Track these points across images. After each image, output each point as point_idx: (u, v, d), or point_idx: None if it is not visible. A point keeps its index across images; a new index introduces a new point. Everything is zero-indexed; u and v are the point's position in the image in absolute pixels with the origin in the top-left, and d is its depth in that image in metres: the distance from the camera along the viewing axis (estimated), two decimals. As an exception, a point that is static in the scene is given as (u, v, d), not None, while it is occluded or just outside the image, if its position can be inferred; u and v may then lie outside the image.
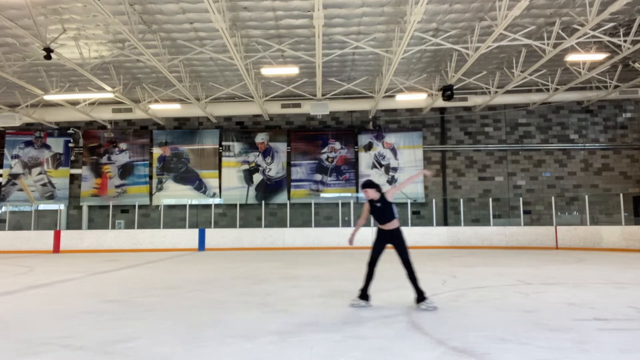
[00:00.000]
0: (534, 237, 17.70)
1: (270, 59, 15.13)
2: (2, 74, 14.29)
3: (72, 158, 21.33)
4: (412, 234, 17.18)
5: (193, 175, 20.96)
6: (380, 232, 5.92)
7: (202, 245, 18.66)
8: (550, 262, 11.98)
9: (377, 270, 5.88)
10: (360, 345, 4.04)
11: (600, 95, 18.54)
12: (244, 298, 6.63)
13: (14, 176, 21.02)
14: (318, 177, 20.68)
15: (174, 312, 5.66)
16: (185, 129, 21.31)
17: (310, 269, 10.74)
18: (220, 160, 20.98)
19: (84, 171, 21.05)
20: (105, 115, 19.30)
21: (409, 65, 16.56)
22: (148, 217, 20.78)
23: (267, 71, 15.13)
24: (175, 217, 20.71)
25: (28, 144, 21.26)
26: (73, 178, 21.20)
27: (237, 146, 21.02)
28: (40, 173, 21.11)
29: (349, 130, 21.02)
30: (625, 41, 13.22)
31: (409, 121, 20.99)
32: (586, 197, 17.45)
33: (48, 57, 12.11)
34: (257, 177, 20.78)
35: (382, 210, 5.82)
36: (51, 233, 18.75)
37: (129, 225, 20.39)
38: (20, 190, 20.94)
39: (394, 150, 20.73)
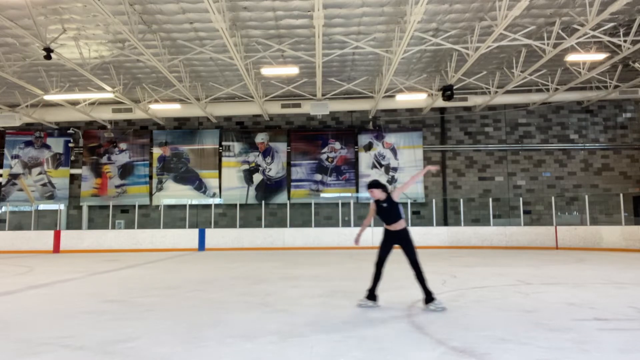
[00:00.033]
0: (534, 237, 17.70)
1: (270, 59, 15.13)
2: (2, 74, 14.29)
3: (72, 158, 21.33)
4: (412, 234, 17.16)
5: (193, 175, 20.96)
6: (387, 233, 5.87)
7: (202, 245, 18.66)
8: (550, 262, 11.98)
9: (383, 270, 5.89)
10: (360, 345, 4.04)
11: (600, 95, 18.54)
12: (244, 298, 6.63)
13: (14, 176, 21.02)
14: (318, 177, 20.68)
15: (174, 312, 5.66)
16: (185, 129, 21.31)
17: (310, 269, 10.74)
18: (220, 160, 20.98)
19: (84, 171, 21.05)
20: (105, 115, 19.30)
21: (409, 65, 16.57)
22: (148, 217, 20.78)
23: (267, 71, 15.14)
24: (175, 217, 20.71)
25: (28, 144, 21.26)
26: (73, 178, 21.21)
27: (237, 146, 21.02)
28: (40, 173, 21.11)
29: (349, 130, 21.02)
30: (625, 41, 13.22)
31: (409, 121, 20.99)
32: (586, 197, 17.45)
33: (48, 57, 12.11)
34: (257, 177, 20.78)
35: (388, 211, 5.78)
36: (51, 233, 18.75)
37: (129, 225, 20.39)
38: (20, 190, 20.94)
39: (394, 150, 20.73)
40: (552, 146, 20.76)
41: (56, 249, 18.46)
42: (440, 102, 18.02)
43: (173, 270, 10.92)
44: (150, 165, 21.05)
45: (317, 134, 20.96)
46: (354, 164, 20.76)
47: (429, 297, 5.50)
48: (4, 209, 20.82)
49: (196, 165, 20.98)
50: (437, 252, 16.28)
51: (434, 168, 6.33)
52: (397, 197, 5.81)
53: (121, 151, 21.09)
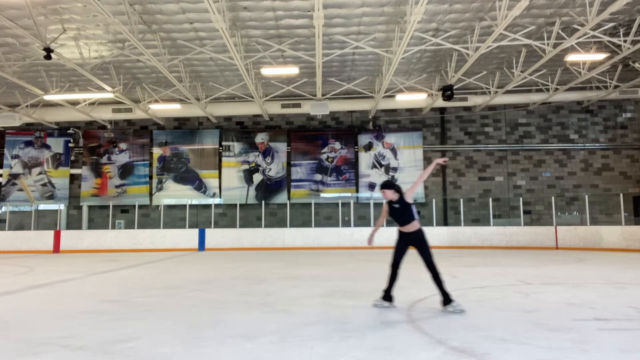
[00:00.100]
0: (534, 237, 17.70)
1: (270, 59, 15.13)
2: (2, 74, 14.29)
3: (72, 158, 21.33)
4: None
5: (193, 175, 20.96)
6: (401, 235, 5.77)
7: (202, 245, 18.66)
8: (550, 262, 11.98)
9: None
10: (360, 345, 4.04)
11: (600, 95, 18.54)
12: (244, 298, 6.63)
13: (14, 176, 21.03)
14: (318, 177, 20.68)
15: (174, 312, 5.66)
16: (185, 129, 21.31)
17: (310, 269, 10.74)
18: (220, 160, 20.98)
19: (84, 171, 21.05)
20: (105, 115, 19.30)
21: (409, 65, 16.57)
22: (148, 217, 20.78)
23: (267, 71, 15.14)
24: (175, 217, 20.71)
25: (28, 144, 21.27)
26: (73, 178, 21.21)
27: (237, 146, 21.02)
28: (40, 173, 21.11)
29: (349, 130, 21.02)
30: (625, 41, 13.22)
31: (409, 121, 20.99)
32: (586, 197, 17.45)
33: (48, 57, 12.11)
34: (257, 177, 20.79)
35: (400, 212, 5.67)
36: (51, 233, 18.75)
37: (129, 225, 20.39)
38: (20, 190, 20.94)
39: (394, 150, 20.73)
40: (552, 146, 20.76)
41: (56, 249, 18.46)
42: (440, 102, 18.03)
43: (173, 270, 10.92)
44: (150, 165, 21.05)
45: (317, 134, 20.97)
46: (354, 164, 20.77)
47: (446, 299, 5.38)
48: (4, 209, 20.82)
49: (196, 165, 20.98)
50: (437, 252, 16.15)
51: (442, 160, 6.13)
52: (409, 197, 5.68)
53: (121, 151, 21.09)
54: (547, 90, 18.19)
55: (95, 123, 20.86)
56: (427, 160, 20.76)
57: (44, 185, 21.04)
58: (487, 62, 16.19)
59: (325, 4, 11.16)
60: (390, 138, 20.80)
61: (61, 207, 20.65)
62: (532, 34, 13.40)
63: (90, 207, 20.94)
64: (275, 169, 20.80)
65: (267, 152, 20.89)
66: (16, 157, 21.13)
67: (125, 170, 21.00)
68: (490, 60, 16.08)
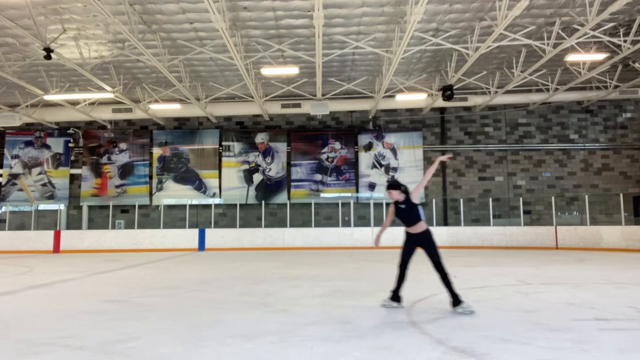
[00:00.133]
0: (534, 237, 17.70)
1: (270, 59, 15.13)
2: (2, 74, 14.29)
3: (72, 158, 21.33)
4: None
5: (193, 175, 20.96)
6: (408, 235, 5.73)
7: (202, 245, 18.66)
8: (550, 262, 11.98)
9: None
10: (360, 345, 4.04)
11: (600, 95, 18.54)
12: (244, 298, 6.63)
13: (14, 176, 21.02)
14: (318, 177, 20.68)
15: (174, 312, 5.66)
16: (185, 129, 21.31)
17: (310, 269, 10.75)
18: (220, 160, 20.98)
19: (84, 171, 21.05)
20: (105, 115, 19.30)
21: (409, 65, 16.57)
22: (148, 217, 20.78)
23: (267, 71, 15.14)
24: (175, 217, 20.71)
25: (28, 144, 21.27)
26: (73, 178, 21.21)
27: (237, 146, 21.02)
28: (40, 173, 21.11)
29: (349, 130, 21.02)
30: (625, 41, 13.22)
31: (409, 121, 20.99)
32: (586, 197, 17.45)
33: (48, 57, 12.11)
34: (257, 177, 20.79)
35: (407, 212, 5.61)
36: (51, 233, 18.75)
37: (129, 225, 20.39)
38: (20, 190, 20.94)
39: (394, 150, 20.73)
40: (552, 146, 20.76)
41: (56, 249, 18.47)
42: (440, 102, 18.03)
43: (173, 270, 10.92)
44: (150, 165, 21.05)
45: (317, 134, 20.97)
46: (354, 164, 20.77)
47: (456, 300, 5.34)
48: (4, 209, 20.82)
49: (196, 165, 20.98)
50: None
51: (445, 158, 6.05)
52: (415, 198, 5.62)
53: (121, 151, 21.09)
54: (547, 90, 18.19)
55: (95, 123, 20.86)
56: (427, 160, 20.77)
57: (44, 185, 21.04)
58: (487, 62, 16.19)
59: (325, 4, 11.16)
60: (390, 138, 20.81)
61: (61, 207, 20.65)
62: (532, 34, 13.40)
63: (90, 207, 20.94)
64: (275, 169, 20.80)
65: (267, 152, 20.89)
66: (16, 157, 21.13)
67: (125, 170, 21.00)
68: (490, 60, 16.08)
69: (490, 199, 19.81)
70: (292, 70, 15.10)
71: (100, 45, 13.88)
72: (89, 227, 20.63)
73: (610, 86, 17.66)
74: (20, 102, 18.37)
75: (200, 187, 20.86)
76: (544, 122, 20.88)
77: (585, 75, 15.90)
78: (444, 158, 5.97)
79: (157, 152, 21.09)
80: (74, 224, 20.93)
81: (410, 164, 20.55)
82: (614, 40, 13.18)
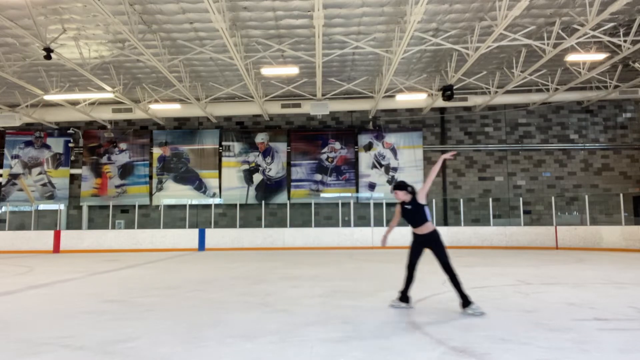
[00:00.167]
0: (534, 237, 17.70)
1: (270, 59, 15.13)
2: (2, 74, 14.29)
3: (72, 158, 21.33)
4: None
5: (193, 175, 20.96)
6: (415, 236, 5.67)
7: (202, 245, 18.66)
8: (550, 262, 11.98)
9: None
10: (360, 345, 4.04)
11: (600, 95, 18.54)
12: (244, 298, 6.63)
13: (14, 176, 21.03)
14: (318, 177, 20.68)
15: (174, 312, 5.66)
16: (185, 129, 21.31)
17: (310, 269, 10.75)
18: (220, 160, 20.99)
19: (84, 171, 21.05)
20: (105, 115, 19.30)
21: (409, 65, 16.57)
22: (148, 217, 20.78)
23: (267, 71, 15.14)
24: (175, 217, 20.71)
25: (28, 144, 21.27)
26: (73, 178, 21.21)
27: (237, 146, 21.02)
28: (40, 173, 21.11)
29: (349, 130, 21.02)
30: (625, 41, 13.22)
31: (409, 121, 20.99)
32: (586, 197, 17.45)
33: (48, 57, 12.11)
34: (257, 177, 20.79)
35: (413, 213, 5.55)
36: (51, 233, 18.75)
37: (129, 225, 20.39)
38: (20, 190, 20.95)
39: (394, 150, 20.73)
40: (552, 146, 20.76)
41: (56, 249, 18.47)
42: (440, 102, 18.03)
43: (173, 270, 10.92)
44: (150, 165, 21.06)
45: (317, 134, 20.97)
46: (354, 164, 20.77)
47: (465, 301, 5.26)
48: (4, 209, 20.82)
49: (196, 165, 20.98)
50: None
51: (449, 155, 5.91)
52: (422, 198, 5.54)
53: (121, 151, 21.10)
54: (547, 90, 18.19)
55: (95, 123, 20.86)
56: (427, 160, 20.78)
57: (44, 185, 21.04)
58: (487, 62, 16.19)
59: (325, 4, 11.16)
60: (390, 138, 20.81)
61: (61, 207, 20.65)
62: (532, 34, 13.40)
63: (90, 207, 20.95)
64: (275, 169, 20.80)
65: (267, 152, 20.90)
66: (16, 157, 21.13)
67: (125, 170, 21.00)
68: (490, 60, 16.08)
69: (490, 199, 19.82)
70: (292, 70, 15.10)
71: (100, 45, 13.89)
72: (89, 227, 20.63)
73: (610, 86, 17.66)
74: (20, 102, 18.37)
75: (200, 187, 20.86)
76: (544, 122, 20.89)
77: (585, 75, 15.90)
78: (447, 155, 5.87)
79: (157, 152, 21.09)
80: (74, 224, 20.93)
81: (410, 164, 20.55)
82: (614, 40, 13.18)
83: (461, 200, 19.66)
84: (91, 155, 21.11)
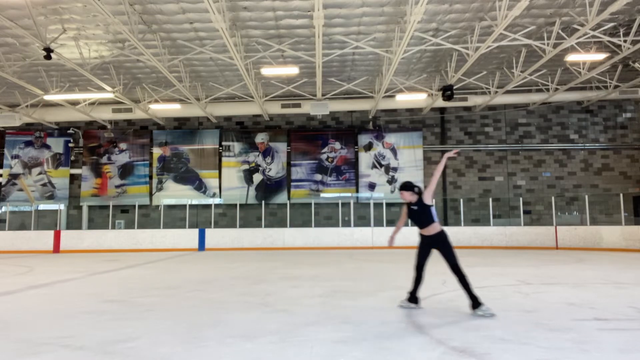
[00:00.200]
0: (534, 237, 17.70)
1: (270, 59, 15.13)
2: (2, 74, 14.29)
3: (72, 158, 21.33)
4: (412, 234, 17.18)
5: (193, 175, 20.96)
6: (422, 238, 5.62)
7: (202, 245, 18.66)
8: (550, 262, 11.98)
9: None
10: (360, 345, 4.04)
11: (600, 95, 18.54)
12: (244, 298, 6.63)
13: (14, 176, 21.03)
14: (318, 177, 20.68)
15: (174, 312, 5.66)
16: (185, 129, 21.31)
17: (310, 269, 10.75)
18: (220, 160, 20.99)
19: (84, 171, 21.05)
20: (105, 115, 19.30)
21: (409, 65, 16.57)
22: (148, 217, 20.78)
23: (267, 71, 15.14)
24: (175, 217, 20.71)
25: (28, 144, 21.27)
26: (73, 178, 21.21)
27: (237, 146, 21.02)
28: (40, 173, 21.11)
29: (349, 130, 21.02)
30: (625, 41, 13.22)
31: (409, 121, 20.99)
32: (586, 197, 17.45)
33: (48, 57, 12.11)
34: (257, 177, 20.79)
35: (419, 214, 5.50)
36: (51, 233, 18.75)
37: (129, 225, 20.39)
38: (20, 190, 20.95)
39: (394, 150, 20.73)
40: (552, 146, 20.76)
41: (56, 249, 18.46)
42: (440, 102, 18.03)
43: (173, 270, 10.92)
44: (150, 165, 21.06)
45: (317, 134, 20.97)
46: (354, 164, 20.77)
47: (475, 303, 5.17)
48: (4, 209, 20.82)
49: (196, 165, 20.99)
50: (437, 252, 16.24)
51: (452, 153, 5.85)
52: (428, 199, 5.46)
53: (121, 151, 21.10)
54: (547, 90, 18.19)
55: (95, 123, 20.87)
56: (427, 160, 20.78)
57: (44, 185, 21.04)
58: (487, 62, 16.19)
59: (325, 4, 11.16)
60: (390, 138, 20.81)
61: (61, 207, 20.65)
62: (532, 34, 13.40)
63: (90, 207, 20.95)
64: (275, 169, 20.80)
65: (267, 152, 20.90)
66: (16, 157, 21.13)
67: (125, 170, 21.00)
68: (490, 60, 16.08)
69: (490, 199, 19.82)
70: (292, 70, 15.10)
71: (100, 45, 13.89)
72: (89, 227, 20.64)
73: (610, 86, 17.66)
74: (20, 102, 18.37)
75: (200, 187, 20.86)
76: (544, 122, 20.89)
77: (585, 75, 15.90)
78: (450, 154, 5.81)
79: (157, 152, 21.09)
80: (74, 224, 20.93)
81: (410, 164, 20.55)
82: (614, 40, 13.18)
83: (461, 200, 19.66)
84: (91, 155, 21.11)
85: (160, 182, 20.94)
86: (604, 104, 20.70)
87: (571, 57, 14.03)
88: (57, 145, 21.25)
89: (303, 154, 20.82)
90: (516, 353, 3.75)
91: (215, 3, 9.97)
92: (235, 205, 20.45)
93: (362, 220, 20.27)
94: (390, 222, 19.87)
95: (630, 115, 20.85)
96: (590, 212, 18.25)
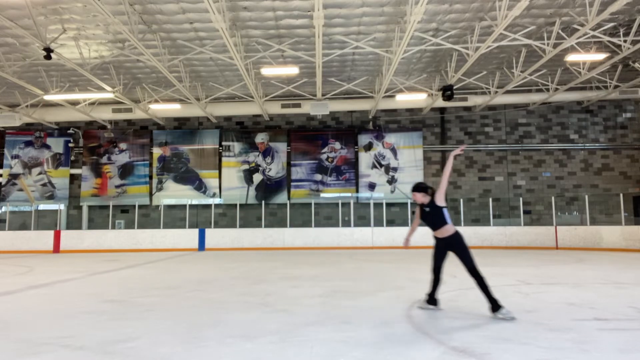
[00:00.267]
0: (534, 237, 17.70)
1: (270, 59, 15.13)
2: (2, 74, 14.29)
3: (72, 158, 21.33)
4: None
5: (193, 175, 20.96)
6: (436, 240, 5.50)
7: (202, 245, 18.66)
8: (550, 262, 11.98)
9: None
10: (360, 345, 4.04)
11: (600, 95, 18.54)
12: (244, 298, 6.63)
13: (14, 176, 21.02)
14: (318, 177, 20.68)
15: (174, 312, 5.66)
16: (185, 129, 21.31)
17: (310, 269, 10.75)
18: (220, 160, 20.99)
19: (84, 171, 21.05)
20: (105, 115, 19.30)
21: (409, 65, 16.57)
22: (148, 217, 20.78)
23: (267, 71, 15.14)
24: (175, 217, 20.71)
25: (28, 144, 21.27)
26: (73, 178, 21.21)
27: (237, 146, 21.02)
28: (40, 173, 21.11)
29: (349, 130, 21.02)
30: (625, 41, 13.22)
31: (409, 121, 20.99)
32: (586, 197, 17.45)
33: (48, 57, 12.11)
34: (257, 177, 20.79)
35: (431, 216, 5.37)
36: (51, 233, 18.75)
37: (129, 225, 20.39)
38: (20, 190, 20.94)
39: (394, 150, 20.73)
40: (552, 146, 20.76)
41: (56, 249, 18.47)
42: (440, 102, 18.03)
43: (173, 270, 10.92)
44: (150, 165, 21.06)
45: (317, 134, 20.97)
46: (354, 164, 20.77)
47: (495, 305, 5.01)
48: (4, 209, 20.82)
49: (196, 165, 20.98)
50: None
51: (459, 150, 5.70)
52: (440, 199, 5.31)
53: (121, 151, 21.10)
54: (547, 90, 18.19)
55: (95, 123, 20.86)
56: (427, 160, 20.79)
57: (44, 185, 21.04)
58: (487, 62, 16.19)
59: (325, 4, 11.16)
60: (390, 138, 20.80)
61: (61, 207, 20.65)
62: (532, 34, 13.40)
63: (90, 207, 20.95)
64: (275, 169, 20.80)
65: (267, 152, 20.90)
66: (16, 157, 21.13)
67: (125, 170, 21.00)
68: (490, 60, 16.08)
69: (490, 199, 19.82)
70: (292, 70, 15.10)
71: (100, 45, 13.88)
72: (89, 227, 20.64)
73: (610, 86, 17.66)
74: (20, 102, 18.37)
75: (200, 187, 20.86)
76: (544, 122, 20.89)
77: (585, 75, 15.90)
78: (457, 151, 5.67)
79: (157, 152, 21.09)
80: (74, 224, 20.93)
81: (410, 164, 20.55)
82: (614, 40, 13.18)
83: (461, 200, 19.66)
84: (91, 155, 21.11)
85: (160, 182, 20.94)
86: (604, 104, 20.70)
87: (571, 57, 14.03)
88: (57, 145, 21.26)
89: (303, 154, 20.82)
90: (516, 353, 3.75)
91: (215, 3, 9.97)
92: (235, 205, 20.45)
93: (362, 220, 20.27)
94: (390, 222, 19.88)
95: (630, 115, 20.85)
96: (590, 212, 18.25)
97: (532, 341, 4.09)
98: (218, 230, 19.27)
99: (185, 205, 20.57)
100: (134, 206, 20.35)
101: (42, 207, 21.11)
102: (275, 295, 6.81)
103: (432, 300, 5.61)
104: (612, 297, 6.38)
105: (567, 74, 17.10)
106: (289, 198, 20.41)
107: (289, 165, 20.83)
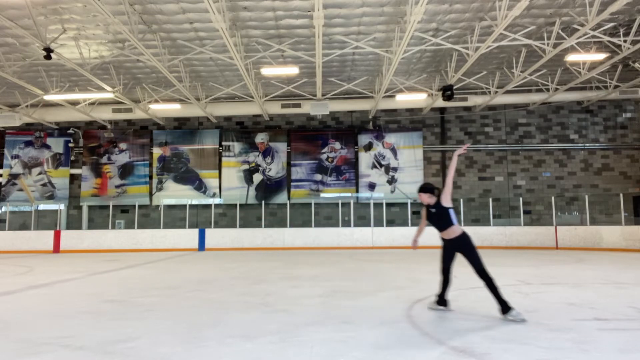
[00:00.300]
0: (534, 237, 17.70)
1: (270, 59, 15.13)
2: (2, 74, 14.29)
3: (72, 158, 21.33)
4: (412, 234, 17.19)
5: (193, 175, 20.96)
6: (443, 242, 5.46)
7: (202, 245, 18.66)
8: (550, 262, 11.98)
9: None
10: (360, 345, 4.04)
11: (600, 95, 18.54)
12: (244, 298, 6.63)
13: (14, 176, 21.02)
14: (318, 177, 20.68)
15: (174, 312, 5.66)
16: (185, 129, 21.31)
17: (310, 269, 10.75)
18: (220, 160, 20.99)
19: (84, 171, 21.05)
20: (105, 115, 19.30)
21: (409, 65, 16.57)
22: (148, 217, 20.78)
23: (267, 71, 15.13)
24: (175, 217, 20.71)
25: (28, 144, 21.27)
26: (73, 178, 21.21)
27: (237, 146, 21.02)
28: (40, 173, 21.11)
29: (349, 130, 21.02)
30: (625, 41, 13.22)
31: (409, 121, 20.99)
32: (586, 197, 17.45)
33: (48, 57, 12.11)
34: (257, 177, 20.79)
35: (437, 217, 5.32)
36: (51, 233, 18.75)
37: (129, 225, 20.39)
38: (20, 190, 20.94)
39: (394, 150, 20.73)
40: (552, 146, 20.76)
41: (56, 249, 18.47)
42: (440, 102, 18.03)
43: (173, 270, 10.92)
44: (150, 165, 21.05)
45: (317, 134, 20.97)
46: (354, 164, 20.77)
47: (505, 307, 4.96)
48: (4, 209, 20.82)
49: (196, 165, 20.98)
50: (437, 252, 16.23)
51: (463, 149, 5.66)
52: (446, 200, 5.27)
53: (121, 151, 21.09)
54: (547, 90, 18.19)
55: (95, 123, 20.86)
56: (427, 160, 20.79)
57: (44, 185, 21.04)
58: (487, 62, 16.18)
59: (325, 4, 11.16)
60: (390, 138, 20.80)
61: (61, 207, 20.65)
62: (532, 34, 13.40)
63: (90, 207, 20.94)
64: (275, 169, 20.80)
65: (267, 152, 20.90)
66: (16, 157, 21.13)
67: (125, 170, 21.00)
68: (490, 60, 16.08)
69: (490, 199, 19.82)
70: (292, 70, 15.10)
71: (100, 45, 13.88)
72: (89, 227, 20.63)
73: (610, 86, 17.66)
74: (20, 102, 18.37)
75: (200, 187, 20.86)
76: (544, 122, 20.89)
77: (585, 75, 15.89)
78: (461, 150, 5.63)
79: (157, 152, 21.08)
80: (74, 224, 20.93)
81: (410, 164, 20.54)
82: (614, 40, 13.18)
83: (461, 200, 19.66)
84: (91, 155, 21.11)
85: (160, 182, 20.94)
86: (604, 104, 20.70)
87: (571, 57, 14.03)
88: (57, 145, 21.25)
89: (303, 154, 20.82)
90: (516, 353, 3.75)
91: (215, 3, 9.97)
92: (235, 205, 20.45)
93: (362, 220, 20.27)
94: (390, 222, 19.88)
95: (630, 115, 20.85)
96: (590, 212, 18.25)
97: (532, 341, 4.09)
98: (218, 230, 19.27)
99: (185, 205, 20.57)
100: (134, 206, 20.35)
101: (42, 207, 21.11)
102: (275, 295, 6.81)
103: (442, 301, 5.59)
104: (612, 297, 6.38)
105: (567, 74, 17.10)
106: (289, 198, 20.41)
107: (289, 165, 20.83)
